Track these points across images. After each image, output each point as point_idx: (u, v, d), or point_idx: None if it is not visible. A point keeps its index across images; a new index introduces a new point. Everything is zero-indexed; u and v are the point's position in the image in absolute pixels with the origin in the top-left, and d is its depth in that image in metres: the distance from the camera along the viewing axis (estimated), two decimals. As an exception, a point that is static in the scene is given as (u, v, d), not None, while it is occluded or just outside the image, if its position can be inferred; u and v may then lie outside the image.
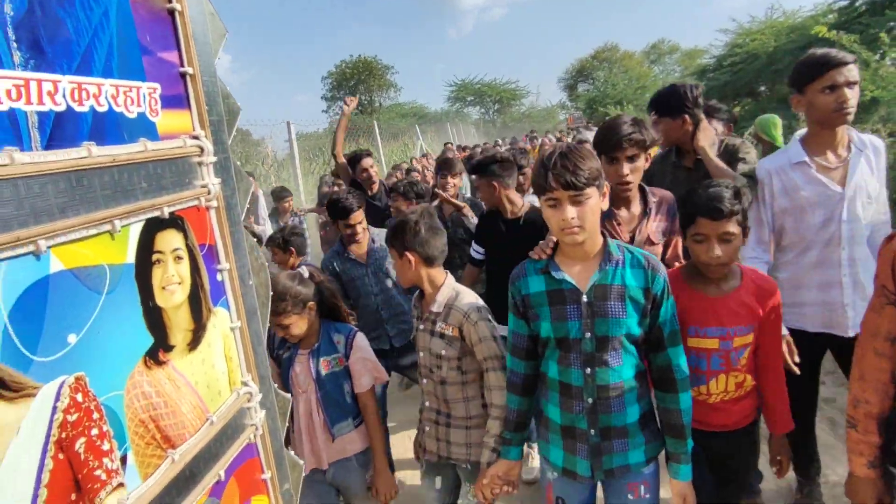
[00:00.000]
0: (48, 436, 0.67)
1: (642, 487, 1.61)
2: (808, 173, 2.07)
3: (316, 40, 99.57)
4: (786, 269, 2.21)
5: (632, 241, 2.06)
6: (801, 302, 2.16)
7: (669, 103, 2.40)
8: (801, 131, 2.20)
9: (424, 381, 2.06)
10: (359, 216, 3.00)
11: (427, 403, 2.08)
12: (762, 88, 16.15)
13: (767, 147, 4.44)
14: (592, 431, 1.55)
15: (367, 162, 4.42)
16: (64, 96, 0.73)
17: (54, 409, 0.68)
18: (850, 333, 2.07)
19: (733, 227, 1.64)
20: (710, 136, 2.36)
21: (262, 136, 15.01)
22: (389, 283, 3.07)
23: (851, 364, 1.46)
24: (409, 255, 1.93)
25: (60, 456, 0.68)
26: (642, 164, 2.01)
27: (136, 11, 0.88)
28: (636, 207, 2.11)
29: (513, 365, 1.71)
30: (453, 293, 1.97)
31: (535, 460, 3.01)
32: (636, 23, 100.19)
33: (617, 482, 1.61)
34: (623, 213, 2.10)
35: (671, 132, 2.44)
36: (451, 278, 2.04)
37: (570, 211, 1.43)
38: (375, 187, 4.40)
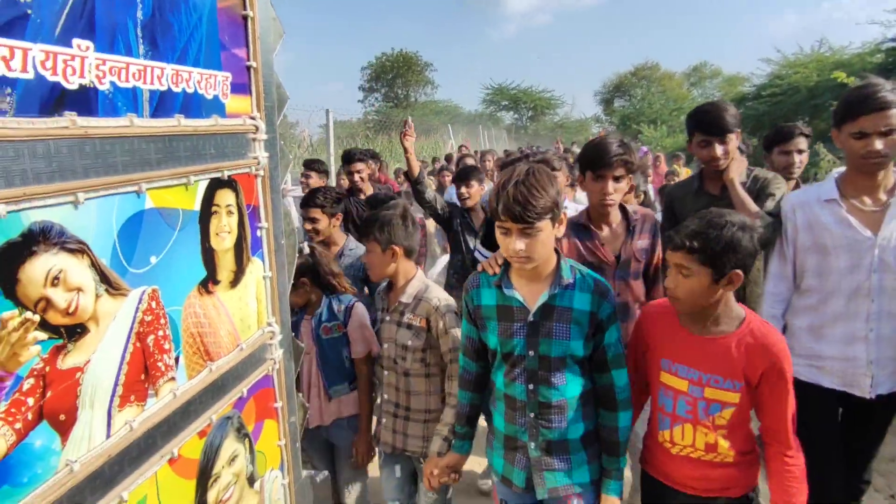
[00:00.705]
0: (132, 327, 0.91)
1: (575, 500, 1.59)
2: (837, 213, 1.88)
3: (357, 31, 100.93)
4: (806, 315, 2.00)
5: (617, 259, 2.07)
6: (819, 354, 1.95)
7: (717, 123, 2.21)
8: (841, 168, 2.07)
9: (386, 372, 2.11)
10: (315, 213, 2.89)
11: (386, 396, 2.13)
12: (800, 121, 16.04)
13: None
14: (532, 445, 1.57)
15: (357, 166, 4.00)
16: (167, 80, 0.98)
17: (137, 308, 0.92)
18: (872, 395, 1.86)
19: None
20: (740, 167, 2.27)
21: (296, 118, 15.44)
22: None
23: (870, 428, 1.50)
24: (395, 248, 2.01)
25: (137, 344, 0.93)
26: (625, 185, 2.03)
27: (221, 16, 1.13)
28: (618, 226, 2.11)
29: (465, 363, 1.77)
30: (423, 286, 2.05)
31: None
32: (679, 43, 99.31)
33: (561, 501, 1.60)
34: (605, 232, 2.10)
35: (710, 152, 2.24)
36: (420, 272, 2.12)
37: (519, 243, 1.43)
38: (362, 196, 3.97)
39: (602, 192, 1.99)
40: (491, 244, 2.75)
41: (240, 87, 1.21)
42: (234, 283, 1.22)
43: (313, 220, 2.88)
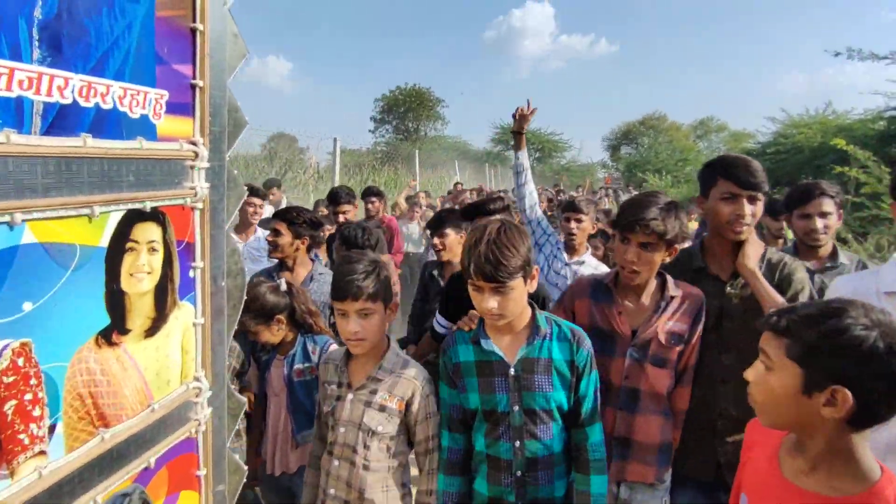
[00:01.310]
0: (-18, 390, 0.73)
1: None
2: None
3: (372, 63, 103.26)
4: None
5: (632, 336, 1.76)
6: None
7: (753, 174, 1.77)
8: None
9: (336, 462, 1.67)
10: (280, 226, 2.76)
11: (332, 491, 1.68)
12: (803, 180, 16.09)
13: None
14: None
15: (343, 207, 4.05)
16: (72, 91, 0.82)
17: (-6, 367, 0.74)
18: None
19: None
20: (758, 253, 1.82)
21: (307, 144, 15.54)
22: None
23: None
24: (391, 308, 1.73)
25: (-10, 412, 0.74)
26: (659, 257, 1.72)
27: (160, 27, 0.98)
28: (648, 297, 1.80)
29: (451, 441, 1.62)
30: (400, 359, 1.73)
31: None
32: (687, 95, 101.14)
33: None
34: (628, 300, 1.81)
35: (736, 209, 1.78)
36: (394, 341, 1.82)
37: (492, 301, 1.44)
38: None
39: (622, 257, 1.74)
40: (449, 314, 2.32)
41: (179, 108, 1.06)
42: (152, 331, 1.04)
43: (276, 233, 2.76)
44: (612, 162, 40.11)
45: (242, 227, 4.06)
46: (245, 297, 1.31)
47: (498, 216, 2.21)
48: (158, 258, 1.03)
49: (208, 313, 1.19)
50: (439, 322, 2.41)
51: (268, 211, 5.80)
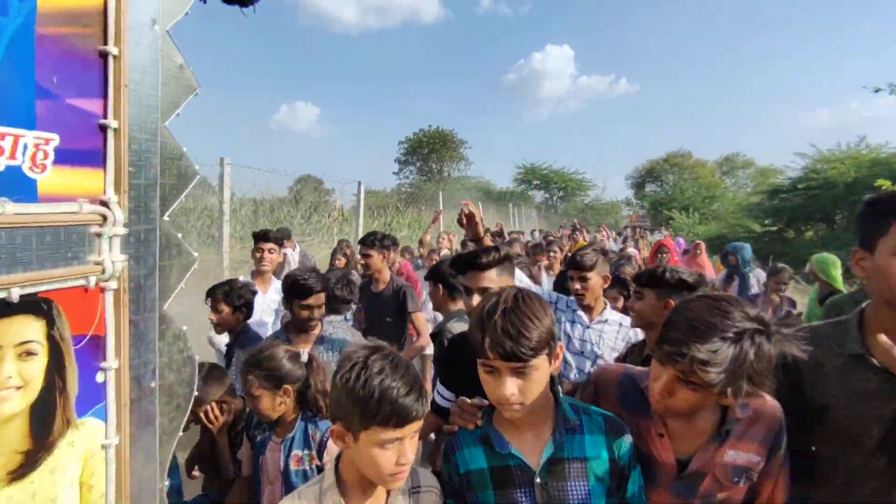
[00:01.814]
0: None
1: None
2: None
3: (396, 107, 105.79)
4: None
5: (681, 466, 1.27)
6: None
7: None
8: None
9: None
10: (319, 299, 2.47)
11: None
12: (839, 216, 15.45)
13: (825, 288, 4.08)
14: None
15: (365, 249, 3.65)
16: None
17: None
18: None
19: None
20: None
21: (332, 186, 15.68)
22: None
23: None
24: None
25: None
26: (707, 399, 1.17)
27: (45, 47, 0.72)
28: (702, 419, 1.26)
29: None
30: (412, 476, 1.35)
31: None
32: (711, 132, 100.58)
33: None
34: (676, 423, 1.28)
35: None
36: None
37: (511, 386, 1.14)
38: (381, 285, 3.69)
39: (654, 383, 1.22)
40: (452, 383, 1.94)
41: (79, 157, 0.78)
42: (23, 471, 0.73)
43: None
44: (637, 200, 39.58)
45: (257, 275, 3.73)
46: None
47: (510, 285, 1.65)
48: (38, 365, 0.74)
49: (126, 430, 0.88)
50: (440, 393, 1.96)
51: (291, 257, 5.52)
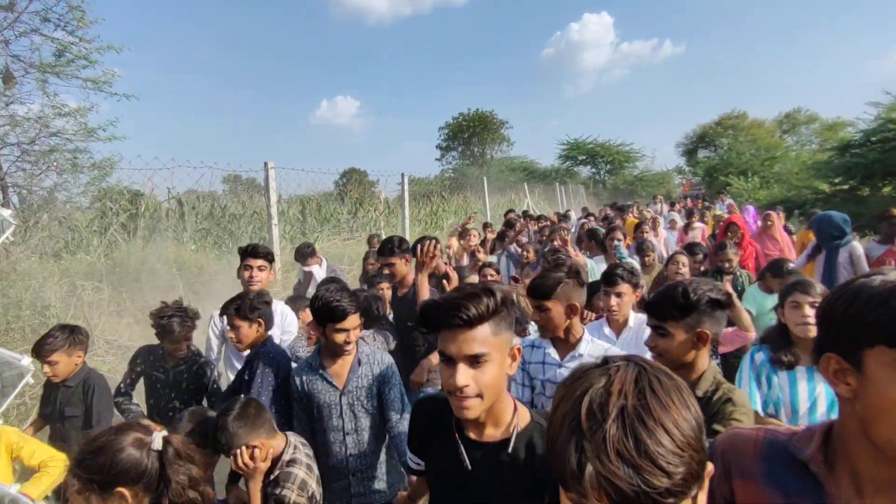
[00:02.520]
0: None
1: None
2: None
3: (434, 92, 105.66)
4: None
5: None
6: None
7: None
8: None
9: None
10: (354, 321, 2.27)
11: None
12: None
13: None
14: None
15: (386, 259, 3.36)
16: None
17: None
18: None
19: None
20: None
21: (376, 177, 15.88)
22: (367, 422, 2.34)
23: None
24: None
25: None
26: None
27: None
28: None
29: None
30: None
31: None
32: (766, 90, 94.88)
33: None
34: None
35: None
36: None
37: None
38: (404, 289, 3.49)
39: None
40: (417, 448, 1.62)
41: None
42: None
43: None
44: (689, 167, 37.92)
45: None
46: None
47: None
48: None
49: None
50: (412, 460, 1.66)
51: (318, 274, 5.26)
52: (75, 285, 5.35)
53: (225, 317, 2.58)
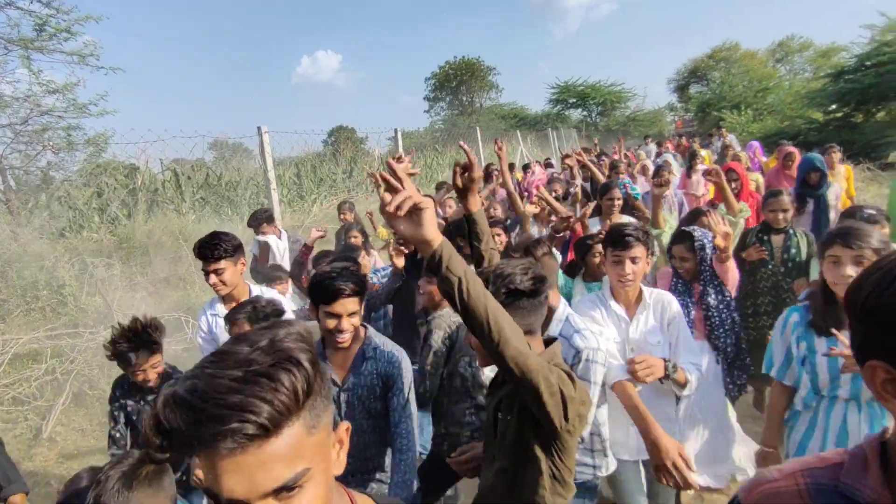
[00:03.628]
0: None
1: None
2: None
3: (419, 41, 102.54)
4: None
5: None
6: None
7: None
8: None
9: None
10: (348, 305, 1.96)
11: None
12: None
13: None
14: None
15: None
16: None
17: None
18: None
19: None
20: None
21: (366, 133, 15.63)
22: (368, 424, 2.06)
23: None
24: None
25: None
26: None
27: None
28: None
29: None
30: None
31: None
32: (758, 19, 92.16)
33: None
34: None
35: None
36: None
37: None
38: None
39: None
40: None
41: None
42: None
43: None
44: (681, 103, 37.40)
45: (228, 301, 2.79)
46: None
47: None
48: None
49: None
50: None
51: (276, 246, 4.61)
52: (86, 263, 5.42)
53: (229, 322, 2.31)
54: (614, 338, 2.21)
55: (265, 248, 4.74)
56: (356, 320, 2.00)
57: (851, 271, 1.79)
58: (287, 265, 4.39)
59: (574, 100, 36.86)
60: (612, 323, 2.25)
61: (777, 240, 3.41)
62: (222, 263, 2.55)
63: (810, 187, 4.20)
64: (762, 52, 35.14)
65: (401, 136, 10.33)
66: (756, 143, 9.22)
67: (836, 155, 5.46)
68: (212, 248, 2.52)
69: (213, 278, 2.55)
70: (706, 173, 3.82)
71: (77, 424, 4.11)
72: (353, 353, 2.06)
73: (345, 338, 1.96)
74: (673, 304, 2.26)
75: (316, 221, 8.65)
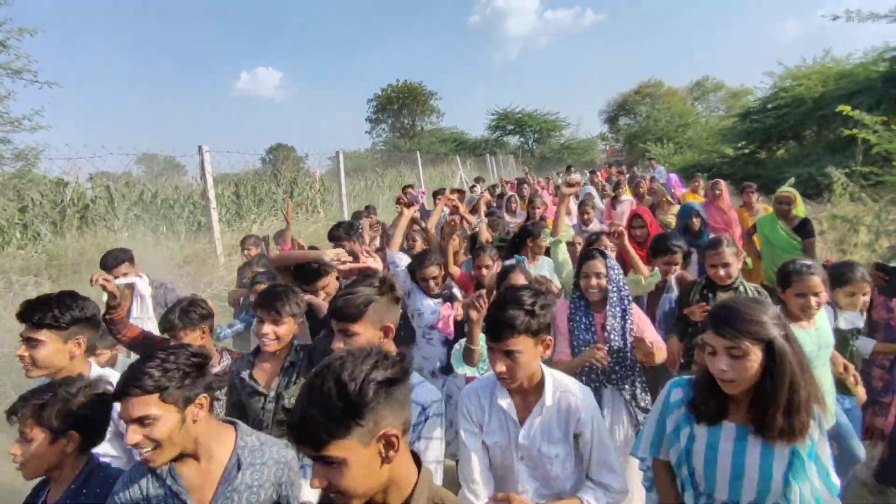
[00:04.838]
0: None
1: None
2: None
3: (361, 62, 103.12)
4: None
5: None
6: None
7: None
8: None
9: None
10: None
11: None
12: (808, 132, 15.84)
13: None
14: None
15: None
16: None
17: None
18: None
19: None
20: None
21: (305, 152, 15.46)
22: None
23: None
24: None
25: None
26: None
27: None
28: None
29: None
30: None
31: None
32: (681, 59, 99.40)
33: None
34: None
35: None
36: None
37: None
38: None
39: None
40: None
41: None
42: None
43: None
44: (612, 133, 39.66)
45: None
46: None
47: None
48: None
49: None
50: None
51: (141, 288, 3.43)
52: (11, 281, 5.25)
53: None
54: (497, 442, 1.74)
55: (130, 292, 3.65)
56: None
57: (725, 365, 1.44)
58: (151, 311, 3.55)
59: (512, 126, 38.27)
60: (495, 422, 1.76)
61: (723, 298, 2.60)
62: (42, 334, 1.89)
63: (692, 235, 4.06)
64: (682, 90, 38.03)
65: (342, 158, 10.48)
66: (674, 176, 9.45)
67: (754, 195, 5.45)
68: (33, 310, 1.90)
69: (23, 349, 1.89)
70: (608, 234, 3.50)
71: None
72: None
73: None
74: (586, 409, 1.72)
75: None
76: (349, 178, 15.44)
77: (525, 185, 8.29)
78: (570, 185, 3.47)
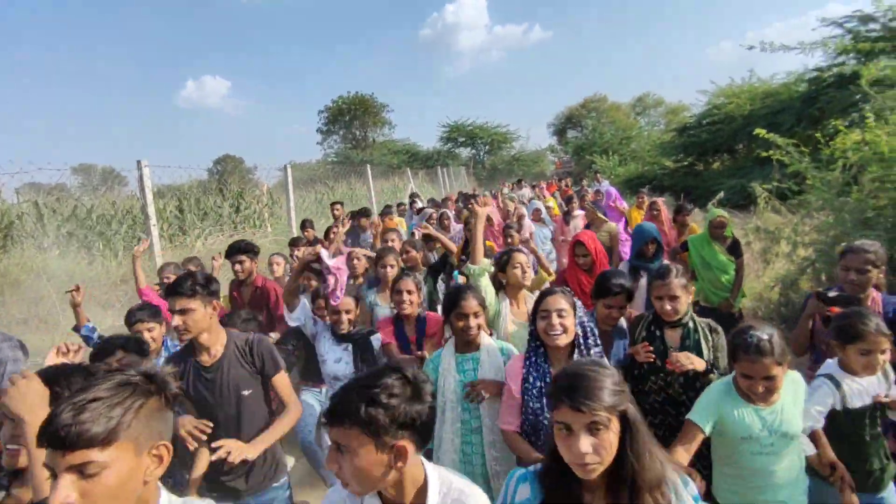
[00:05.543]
0: None
1: None
2: None
3: (312, 72, 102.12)
4: None
5: None
6: None
7: None
8: None
9: None
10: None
11: None
12: (740, 147, 16.83)
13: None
14: None
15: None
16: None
17: None
18: None
19: None
20: None
21: (254, 163, 15.01)
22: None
23: None
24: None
25: None
26: None
27: None
28: None
29: None
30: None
31: None
32: (624, 74, 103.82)
33: None
34: None
35: None
36: None
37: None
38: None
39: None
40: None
41: None
42: None
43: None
44: (560, 146, 40.77)
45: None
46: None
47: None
48: None
49: None
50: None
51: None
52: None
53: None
54: None
55: None
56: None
57: (588, 446, 1.19)
58: None
59: (463, 139, 38.75)
60: None
61: (672, 336, 2.45)
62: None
63: (646, 260, 3.70)
64: (625, 104, 39.60)
65: (291, 170, 10.29)
66: (613, 191, 9.18)
67: (689, 216, 5.38)
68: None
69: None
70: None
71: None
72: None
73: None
74: None
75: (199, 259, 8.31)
76: (299, 191, 15.18)
77: (471, 201, 7.90)
78: (484, 203, 3.20)
